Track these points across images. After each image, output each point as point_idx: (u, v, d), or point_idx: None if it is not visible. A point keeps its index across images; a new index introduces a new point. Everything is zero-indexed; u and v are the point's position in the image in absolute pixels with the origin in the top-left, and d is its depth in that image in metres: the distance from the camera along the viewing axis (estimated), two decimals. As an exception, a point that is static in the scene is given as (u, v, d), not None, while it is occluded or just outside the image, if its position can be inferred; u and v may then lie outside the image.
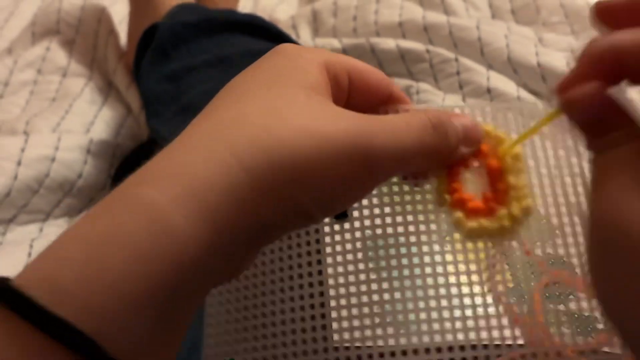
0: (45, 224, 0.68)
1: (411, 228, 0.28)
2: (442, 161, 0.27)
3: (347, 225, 0.29)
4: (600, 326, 0.27)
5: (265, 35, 0.70)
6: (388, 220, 0.28)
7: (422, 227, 0.28)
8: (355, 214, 0.29)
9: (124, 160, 0.75)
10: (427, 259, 0.28)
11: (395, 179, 0.29)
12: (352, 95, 0.27)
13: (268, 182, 0.22)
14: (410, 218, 0.28)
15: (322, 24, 0.87)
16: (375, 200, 0.28)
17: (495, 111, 0.29)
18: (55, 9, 0.87)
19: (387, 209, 0.28)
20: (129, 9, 0.85)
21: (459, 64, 0.73)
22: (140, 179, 0.22)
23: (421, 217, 0.28)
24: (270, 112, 0.23)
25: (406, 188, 0.28)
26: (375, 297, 0.28)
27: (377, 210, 0.28)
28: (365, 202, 0.28)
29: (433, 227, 0.28)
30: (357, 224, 0.29)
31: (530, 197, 0.27)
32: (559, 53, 0.73)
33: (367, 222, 0.28)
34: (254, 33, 0.69)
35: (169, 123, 0.64)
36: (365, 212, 0.28)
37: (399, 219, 0.28)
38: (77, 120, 0.75)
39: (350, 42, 0.79)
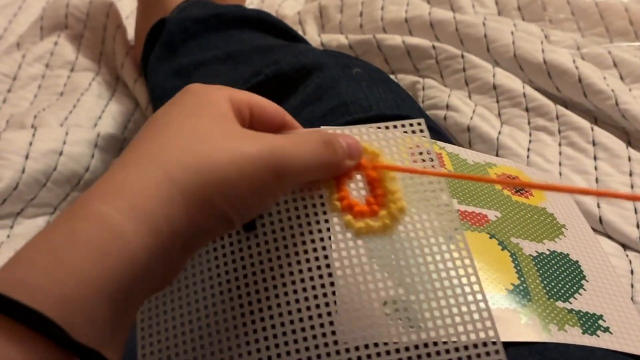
0: (53, 217, 0.69)
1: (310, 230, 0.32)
2: (333, 172, 0.33)
3: (260, 235, 0.33)
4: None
5: (273, 31, 0.70)
6: (294, 225, 0.33)
7: (319, 229, 0.32)
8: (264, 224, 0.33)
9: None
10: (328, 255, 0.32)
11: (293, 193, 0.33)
12: (253, 123, 0.32)
13: (196, 194, 0.26)
14: (309, 222, 0.32)
15: (329, 19, 0.87)
16: (282, 211, 0.33)
17: (369, 133, 0.35)
18: (63, 3, 0.87)
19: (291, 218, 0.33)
20: (136, 4, 0.85)
21: (465, 61, 0.73)
22: (92, 194, 0.25)
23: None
24: (193, 137, 0.28)
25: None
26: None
27: (284, 219, 0.33)
28: (273, 213, 0.33)
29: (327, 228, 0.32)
30: (268, 232, 0.33)
31: (403, 199, 0.33)
32: (565, 50, 0.73)
33: (276, 231, 0.33)
34: (262, 29, 0.70)
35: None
36: (274, 222, 0.33)
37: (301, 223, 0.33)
38: (85, 115, 0.75)
39: (356, 38, 0.79)
